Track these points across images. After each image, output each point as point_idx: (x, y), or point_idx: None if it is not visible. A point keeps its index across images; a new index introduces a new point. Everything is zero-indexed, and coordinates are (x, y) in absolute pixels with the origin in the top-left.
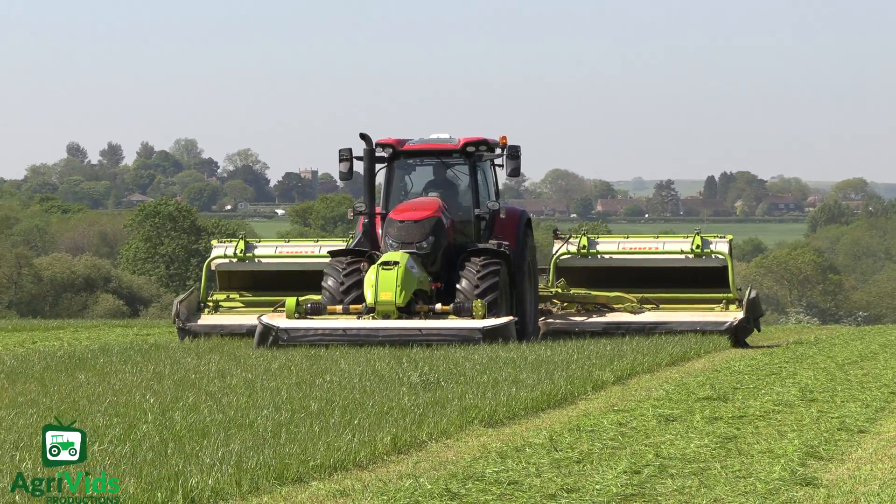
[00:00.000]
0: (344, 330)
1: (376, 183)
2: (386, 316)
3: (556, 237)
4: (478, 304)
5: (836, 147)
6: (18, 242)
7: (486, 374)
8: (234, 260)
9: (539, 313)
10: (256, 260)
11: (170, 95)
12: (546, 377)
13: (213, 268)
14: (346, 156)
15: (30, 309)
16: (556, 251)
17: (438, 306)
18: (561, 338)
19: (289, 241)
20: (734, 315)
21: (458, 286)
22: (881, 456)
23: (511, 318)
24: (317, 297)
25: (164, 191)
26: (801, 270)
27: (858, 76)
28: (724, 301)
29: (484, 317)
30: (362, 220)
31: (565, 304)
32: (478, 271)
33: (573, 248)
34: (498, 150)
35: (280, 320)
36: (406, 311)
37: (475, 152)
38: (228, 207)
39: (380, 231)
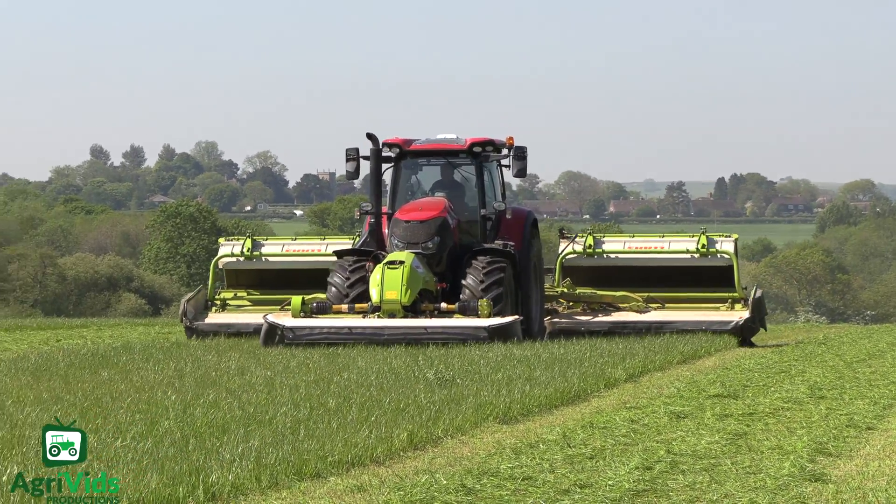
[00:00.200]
0: (349, 329)
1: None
2: (391, 315)
3: (562, 237)
4: (483, 303)
5: (845, 149)
6: (43, 243)
7: (501, 371)
8: (242, 258)
9: (545, 313)
10: (263, 258)
11: (191, 99)
12: (559, 375)
13: (220, 266)
14: (352, 155)
15: (54, 308)
16: (562, 251)
17: (444, 305)
18: (568, 337)
19: (296, 240)
20: (740, 314)
21: (463, 285)
22: (889, 452)
23: (516, 317)
24: (323, 296)
25: (185, 192)
26: (809, 270)
27: (866, 80)
28: (729, 300)
29: (489, 316)
30: (368, 219)
31: (571, 303)
32: (483, 270)
33: (579, 248)
34: (504, 151)
35: (286, 319)
36: (411, 311)
37: (482, 153)
38: (248, 208)
39: (386, 231)
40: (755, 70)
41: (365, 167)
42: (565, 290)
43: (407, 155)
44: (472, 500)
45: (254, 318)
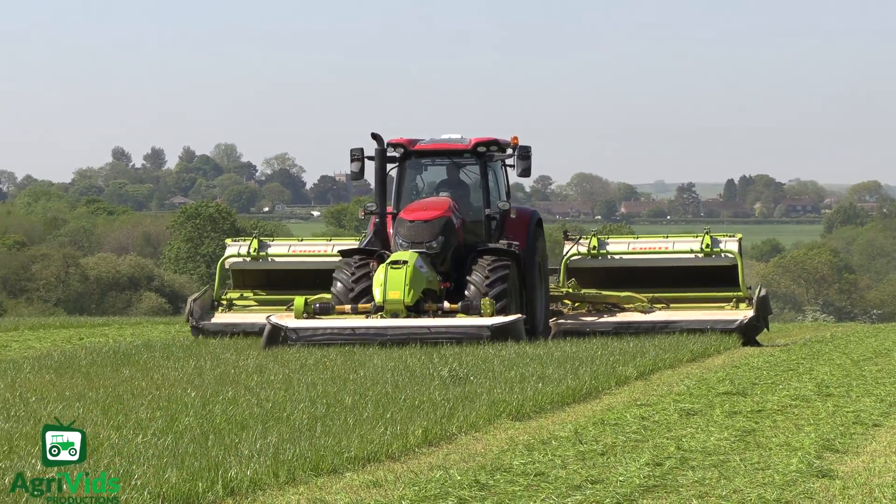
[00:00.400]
0: (353, 329)
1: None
2: (394, 315)
3: (567, 238)
4: (486, 303)
5: (852, 151)
6: (66, 243)
7: (514, 369)
8: (248, 259)
9: (550, 313)
10: (270, 259)
11: (210, 102)
12: (571, 373)
13: (226, 266)
14: (357, 155)
15: (77, 307)
16: (567, 252)
17: (447, 305)
18: (574, 337)
19: (302, 240)
20: (744, 313)
21: (467, 282)
22: (895, 449)
23: (519, 316)
24: (329, 297)
25: (204, 193)
26: (817, 270)
27: (874, 83)
28: (734, 300)
29: (492, 315)
30: (373, 219)
31: (576, 303)
32: (487, 270)
33: (583, 249)
34: (509, 151)
35: (288, 320)
36: (415, 310)
37: (486, 152)
38: (266, 209)
39: (391, 231)
40: (764, 74)
41: (370, 167)
42: (570, 290)
43: (411, 155)
44: (485, 495)
45: (260, 318)
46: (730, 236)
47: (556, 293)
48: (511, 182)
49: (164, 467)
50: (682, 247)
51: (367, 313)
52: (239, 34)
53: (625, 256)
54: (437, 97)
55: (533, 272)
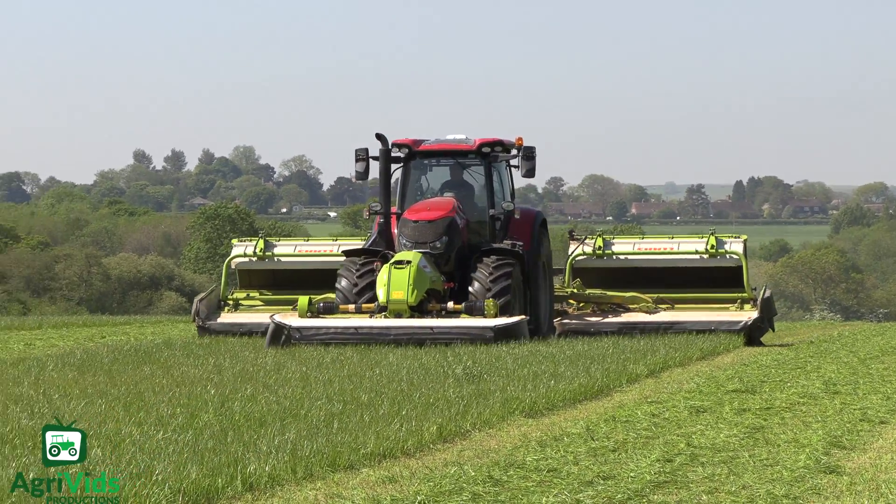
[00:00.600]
0: (356, 329)
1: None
2: (398, 315)
3: (572, 238)
4: (490, 303)
5: (859, 153)
6: (88, 243)
7: (527, 367)
8: (254, 259)
9: (555, 313)
10: (276, 259)
11: (229, 105)
12: (583, 371)
13: (233, 266)
14: (362, 156)
15: (99, 306)
16: (572, 252)
17: (450, 305)
18: (580, 337)
19: (308, 240)
20: (749, 314)
21: (470, 285)
22: None
23: (523, 316)
24: (333, 296)
25: (223, 195)
26: (824, 270)
27: (880, 86)
28: (738, 300)
29: (495, 315)
30: (378, 219)
31: (581, 304)
32: (491, 270)
33: (588, 249)
34: (513, 151)
35: (292, 319)
36: (418, 310)
37: (490, 153)
38: (284, 210)
39: (395, 231)
40: (772, 77)
41: (374, 168)
42: (575, 290)
43: (416, 155)
44: (498, 490)
45: (266, 318)
46: (735, 237)
47: (560, 293)
48: (524, 184)
49: (185, 463)
50: (687, 247)
51: (370, 313)
52: (256, 41)
53: (630, 257)
54: (443, 99)
55: (537, 272)
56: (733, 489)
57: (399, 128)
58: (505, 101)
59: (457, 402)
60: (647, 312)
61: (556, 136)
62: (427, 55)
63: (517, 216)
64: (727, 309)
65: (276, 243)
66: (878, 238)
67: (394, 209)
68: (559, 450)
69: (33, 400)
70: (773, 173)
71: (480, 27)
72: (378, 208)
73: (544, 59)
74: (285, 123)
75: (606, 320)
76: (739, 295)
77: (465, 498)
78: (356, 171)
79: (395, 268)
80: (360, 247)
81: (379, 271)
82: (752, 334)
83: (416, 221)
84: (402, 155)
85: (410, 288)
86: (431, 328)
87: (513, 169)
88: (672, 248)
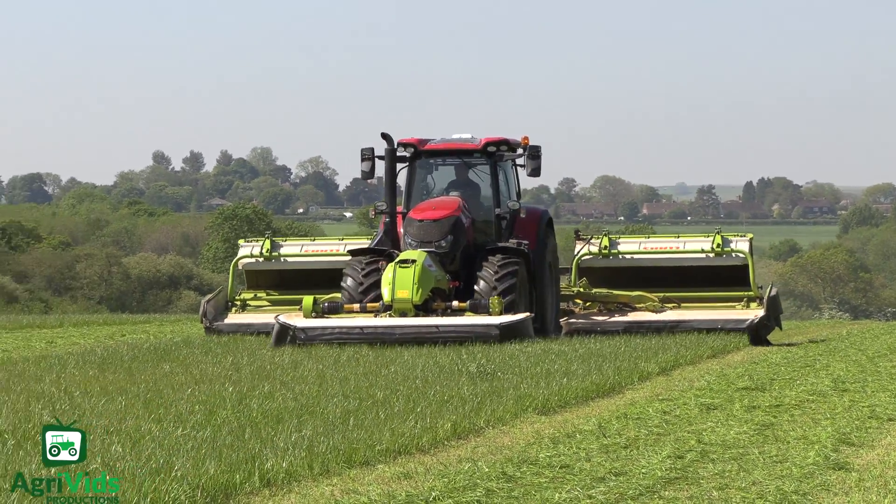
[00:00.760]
0: (361, 328)
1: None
2: (403, 314)
3: (578, 237)
4: (495, 301)
5: (867, 154)
6: (109, 243)
7: (540, 365)
8: (261, 259)
9: (561, 313)
10: (282, 259)
11: (247, 107)
12: (595, 368)
13: (240, 267)
14: (367, 155)
15: (119, 304)
16: (578, 252)
17: (455, 303)
18: (590, 336)
19: (314, 240)
20: (755, 313)
21: (476, 284)
22: None
23: (528, 314)
24: (339, 296)
25: (241, 195)
26: (833, 269)
27: (890, 86)
28: (745, 299)
29: (501, 314)
30: (384, 219)
31: (587, 303)
32: (496, 269)
33: (594, 249)
34: (519, 150)
35: (297, 319)
36: (423, 309)
37: (496, 152)
38: (300, 211)
39: (401, 230)
40: (782, 79)
41: (380, 167)
42: (581, 290)
43: (421, 155)
44: (512, 486)
45: (273, 318)
46: (741, 236)
47: (567, 292)
48: (536, 184)
49: (203, 459)
50: (693, 246)
51: (375, 312)
52: (274, 45)
53: (636, 256)
54: (452, 100)
55: (543, 271)
56: (743, 485)
57: (410, 128)
58: (517, 103)
59: (471, 400)
60: (653, 311)
61: (569, 138)
62: (439, 55)
63: (523, 215)
64: (733, 307)
65: (283, 243)
66: (887, 238)
67: (399, 208)
68: (571, 446)
69: (55, 397)
70: (783, 174)
71: (494, 27)
72: (384, 208)
73: (558, 64)
74: (302, 125)
75: (613, 319)
76: (746, 294)
77: (478, 494)
78: (362, 171)
79: (400, 267)
80: (366, 246)
81: (384, 270)
82: (759, 333)
83: (421, 220)
84: (407, 154)
85: (415, 287)
86: (437, 326)
87: (519, 168)
88: (678, 248)
